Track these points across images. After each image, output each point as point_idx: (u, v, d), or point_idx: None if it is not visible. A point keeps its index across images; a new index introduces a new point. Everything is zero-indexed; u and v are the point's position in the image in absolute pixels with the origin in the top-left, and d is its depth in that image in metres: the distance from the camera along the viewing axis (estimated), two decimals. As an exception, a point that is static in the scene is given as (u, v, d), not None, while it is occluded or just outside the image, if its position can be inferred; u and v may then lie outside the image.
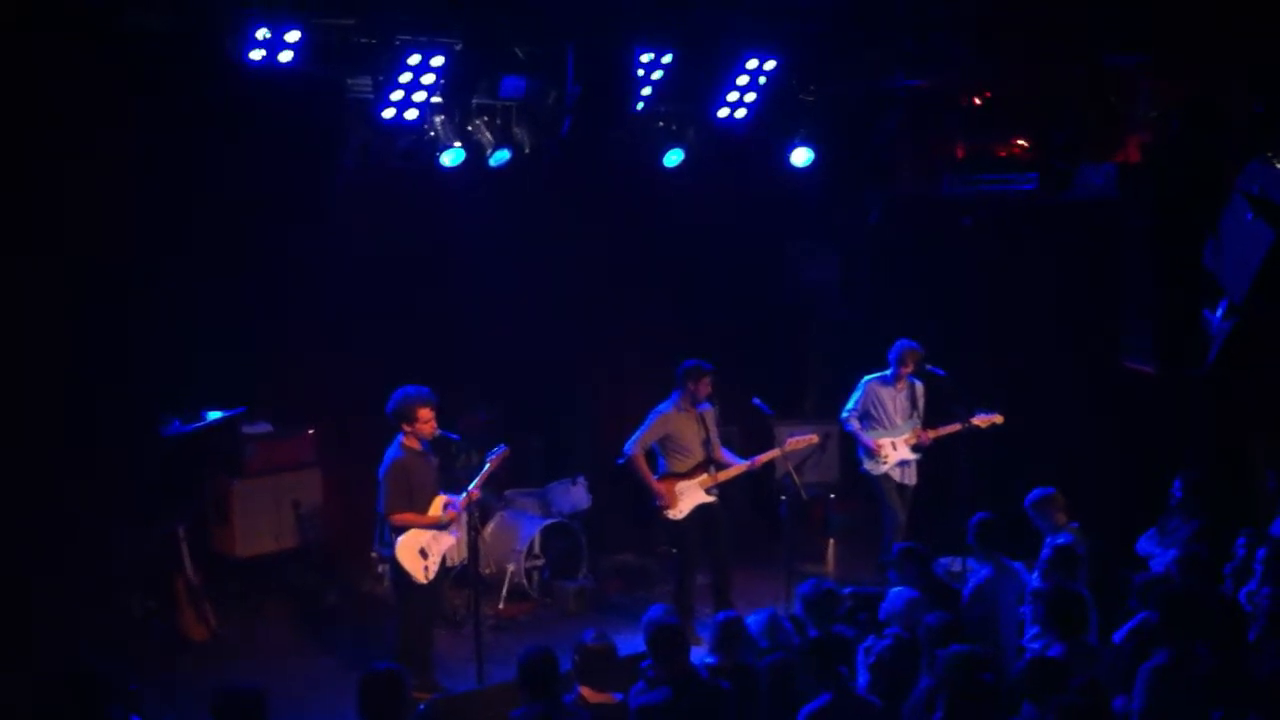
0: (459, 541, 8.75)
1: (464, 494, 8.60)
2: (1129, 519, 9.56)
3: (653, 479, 9.56)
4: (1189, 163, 9.63)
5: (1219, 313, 9.27)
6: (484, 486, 8.86)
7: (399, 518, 8.38)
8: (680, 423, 9.58)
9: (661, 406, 9.62)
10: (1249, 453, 9.94)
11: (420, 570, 8.41)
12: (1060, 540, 8.06)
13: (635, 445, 9.56)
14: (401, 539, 8.38)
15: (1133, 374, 10.16)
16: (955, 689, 5.97)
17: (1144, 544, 9.21)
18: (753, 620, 7.22)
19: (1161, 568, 8.43)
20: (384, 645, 8.69)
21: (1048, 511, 8.49)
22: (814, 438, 9.90)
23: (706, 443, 9.62)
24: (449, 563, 8.92)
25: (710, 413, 9.71)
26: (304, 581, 10.37)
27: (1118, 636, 7.22)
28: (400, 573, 8.43)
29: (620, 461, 9.67)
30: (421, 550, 8.43)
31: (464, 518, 8.61)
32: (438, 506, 8.54)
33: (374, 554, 9.99)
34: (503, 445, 8.87)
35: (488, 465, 8.79)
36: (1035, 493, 8.61)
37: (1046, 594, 7.18)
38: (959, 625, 6.90)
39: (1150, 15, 9.20)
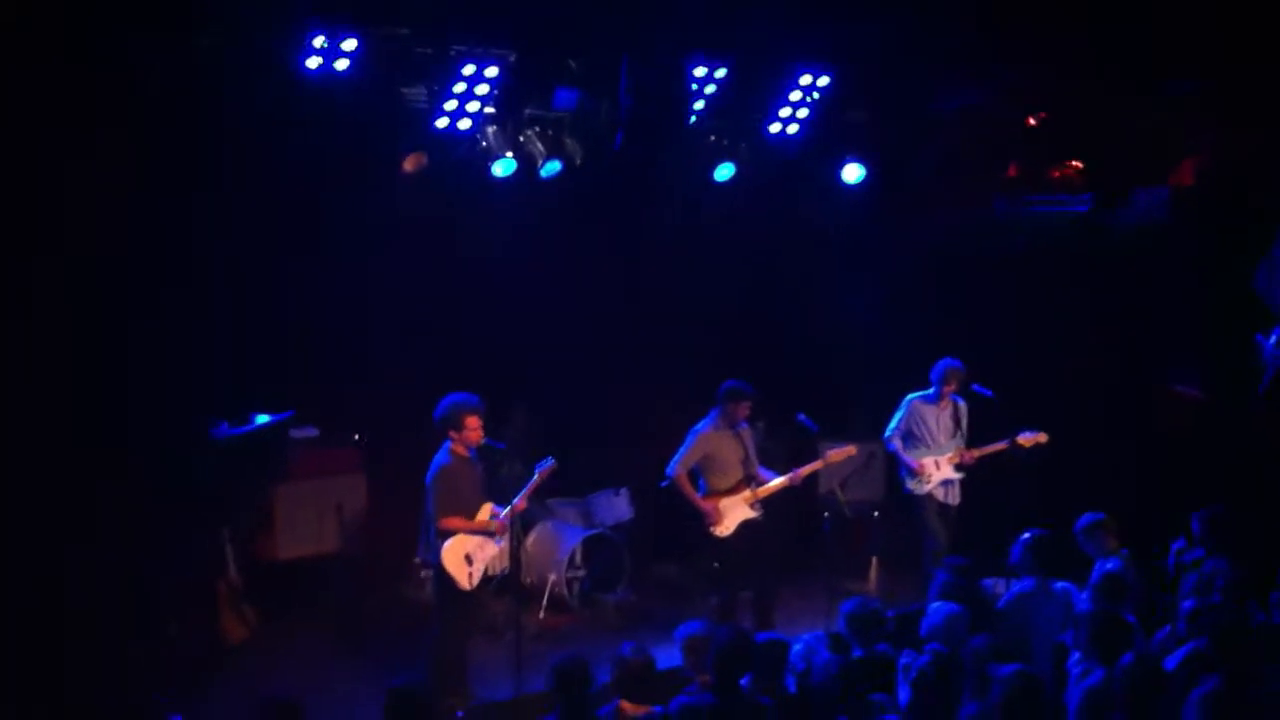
0: (503, 550, 8.76)
1: (509, 506, 8.57)
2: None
3: (698, 498, 9.58)
4: (1242, 187, 9.55)
5: (1272, 339, 9.17)
6: (528, 497, 8.83)
7: (447, 522, 8.37)
8: (719, 441, 9.58)
9: (700, 426, 9.62)
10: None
11: (465, 576, 8.40)
12: (1110, 566, 7.97)
13: (678, 466, 9.57)
14: (448, 544, 8.36)
15: (1181, 398, 10.07)
16: (1016, 712, 5.94)
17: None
18: (800, 645, 7.15)
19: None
20: (420, 653, 8.67)
21: (1098, 536, 8.37)
22: (852, 449, 9.88)
23: (745, 460, 9.62)
24: (491, 572, 8.90)
25: (747, 431, 9.70)
26: (344, 587, 10.40)
27: (1169, 664, 7.13)
28: (444, 578, 8.40)
29: (664, 484, 9.68)
30: (467, 556, 8.41)
31: (509, 527, 8.60)
32: (484, 514, 8.54)
33: (418, 560, 9.99)
34: (550, 459, 8.72)
35: (535, 477, 8.68)
36: (1085, 518, 8.48)
37: (1089, 618, 7.09)
38: (1004, 646, 6.84)
39: (1208, 42, 9.12)
